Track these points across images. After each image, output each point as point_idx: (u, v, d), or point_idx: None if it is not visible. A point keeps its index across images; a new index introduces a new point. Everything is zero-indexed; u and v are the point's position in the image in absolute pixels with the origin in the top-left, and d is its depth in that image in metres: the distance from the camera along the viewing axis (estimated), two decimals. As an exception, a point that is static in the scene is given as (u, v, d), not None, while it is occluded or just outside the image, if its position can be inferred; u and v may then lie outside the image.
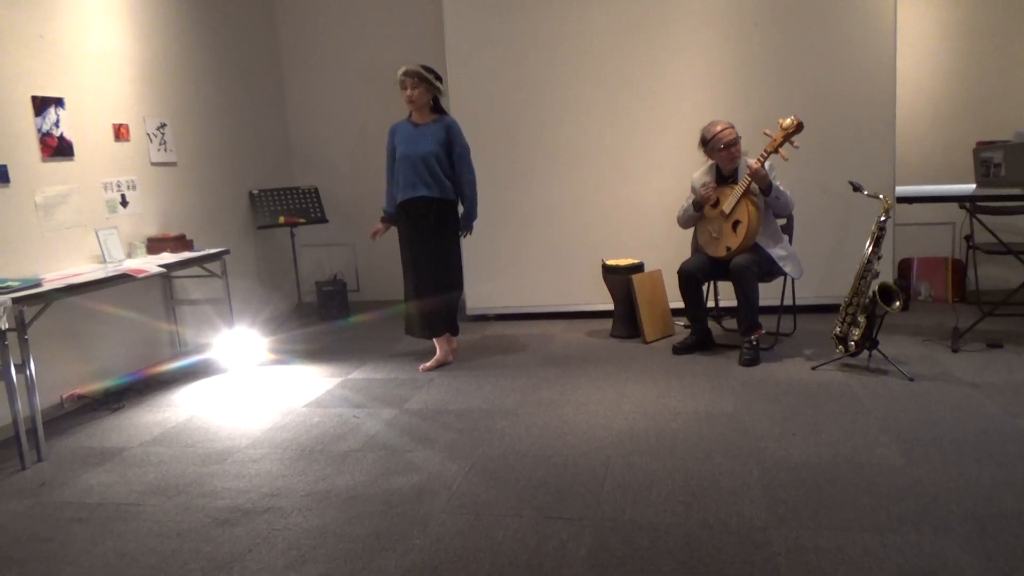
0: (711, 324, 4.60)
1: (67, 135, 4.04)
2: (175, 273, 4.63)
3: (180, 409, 3.92)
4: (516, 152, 5.34)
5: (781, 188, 4.14)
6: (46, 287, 3.43)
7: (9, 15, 3.74)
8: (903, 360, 3.98)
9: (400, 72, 4.15)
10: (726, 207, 4.17)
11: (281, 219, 5.75)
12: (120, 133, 4.45)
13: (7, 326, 3.15)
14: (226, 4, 5.54)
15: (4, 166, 3.68)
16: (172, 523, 2.64)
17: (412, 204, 4.19)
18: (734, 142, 4.16)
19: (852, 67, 4.86)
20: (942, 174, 5.39)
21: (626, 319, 4.86)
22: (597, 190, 5.30)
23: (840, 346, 3.95)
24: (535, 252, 5.43)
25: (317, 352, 4.94)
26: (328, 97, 6.24)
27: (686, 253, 4.54)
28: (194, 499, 2.83)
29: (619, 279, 4.82)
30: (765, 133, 4.11)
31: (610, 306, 5.00)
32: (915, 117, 5.45)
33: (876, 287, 3.78)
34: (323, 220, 5.96)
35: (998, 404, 3.33)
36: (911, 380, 3.68)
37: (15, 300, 3.21)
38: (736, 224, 4.15)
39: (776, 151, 4.06)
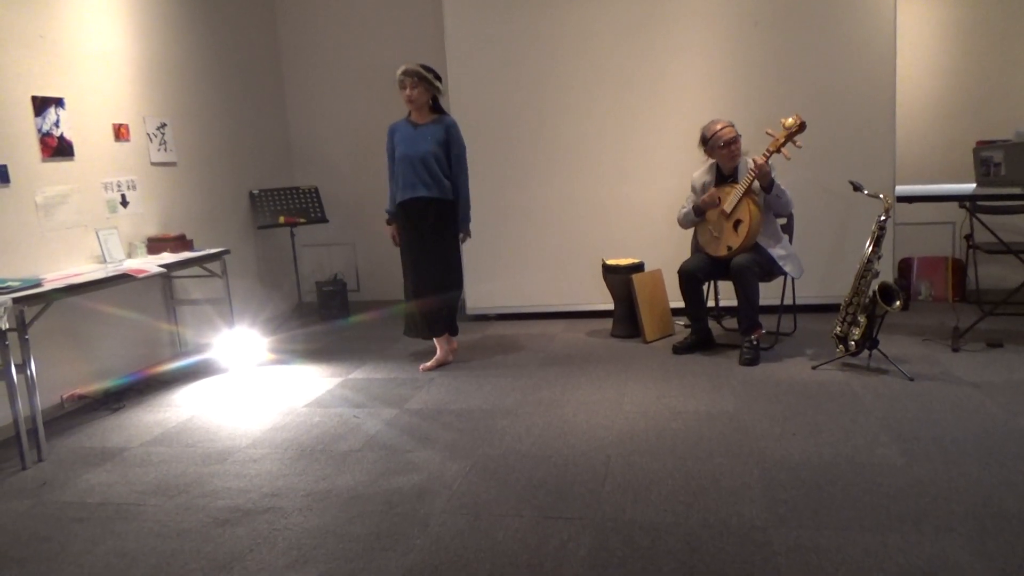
0: (711, 324, 4.60)
1: (67, 135, 4.04)
2: (175, 273, 4.63)
3: (180, 409, 3.92)
4: (516, 152, 5.33)
5: (782, 187, 4.14)
6: (46, 287, 3.43)
7: (9, 15, 3.74)
8: (903, 360, 3.98)
9: (399, 72, 4.15)
10: (727, 206, 4.17)
11: (281, 219, 5.75)
12: (120, 133, 4.45)
13: (7, 326, 3.15)
14: (226, 4, 5.54)
15: (4, 166, 3.68)
16: (173, 523, 2.64)
17: (411, 204, 4.19)
18: (734, 140, 4.16)
19: (852, 66, 4.86)
20: (942, 173, 5.39)
21: (626, 319, 4.86)
22: (597, 189, 5.30)
23: (840, 346, 3.95)
24: (535, 252, 5.43)
25: (317, 352, 4.95)
26: (328, 97, 6.24)
27: (686, 253, 4.54)
28: (195, 499, 2.83)
29: (619, 279, 4.82)
30: (767, 133, 4.11)
31: (610, 306, 5.00)
32: (915, 116, 5.45)
33: (876, 287, 3.77)
34: (323, 220, 5.96)
35: (998, 404, 3.33)
36: (911, 380, 3.68)
37: (15, 300, 3.21)
38: (737, 223, 4.15)
39: (778, 150, 4.06)
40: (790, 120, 4.03)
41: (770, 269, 4.21)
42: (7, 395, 3.23)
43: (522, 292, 5.49)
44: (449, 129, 4.21)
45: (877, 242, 3.89)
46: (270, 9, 6.16)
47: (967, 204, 4.35)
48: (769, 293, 4.44)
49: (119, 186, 4.42)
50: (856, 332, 3.86)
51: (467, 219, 4.31)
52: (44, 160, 3.90)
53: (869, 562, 2.15)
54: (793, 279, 4.38)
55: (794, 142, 4.04)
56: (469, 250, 5.20)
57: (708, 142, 4.22)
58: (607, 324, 5.07)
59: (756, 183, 4.08)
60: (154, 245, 4.52)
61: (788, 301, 4.51)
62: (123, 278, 3.84)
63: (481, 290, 5.51)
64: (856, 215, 4.93)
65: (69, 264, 4.03)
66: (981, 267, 5.19)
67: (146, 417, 3.83)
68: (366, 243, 6.33)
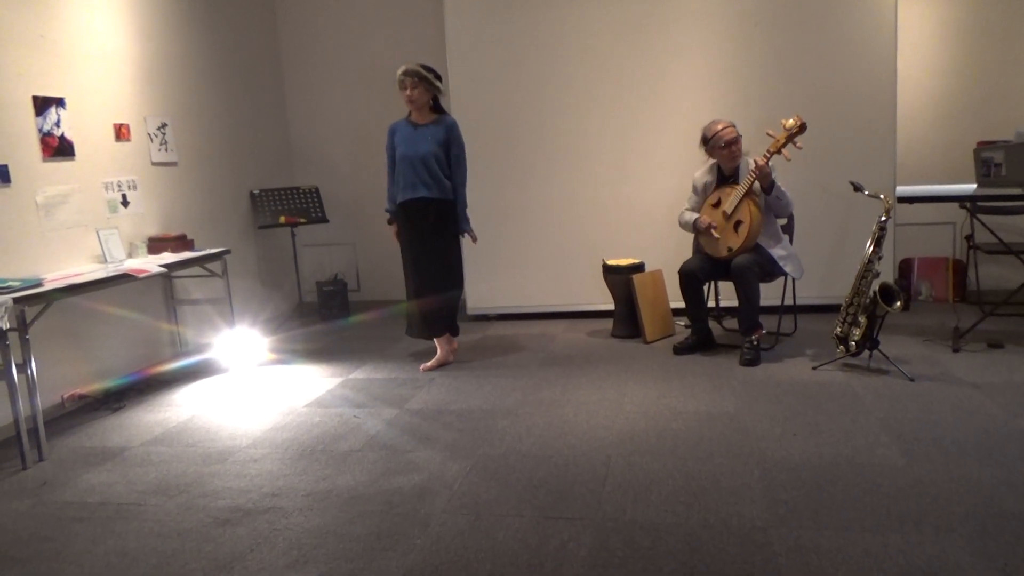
0: (712, 324, 4.60)
1: (68, 135, 4.04)
2: (176, 273, 4.63)
3: (181, 409, 3.92)
4: (517, 151, 5.34)
5: (782, 188, 4.14)
6: (47, 287, 3.43)
7: (10, 15, 3.74)
8: (904, 360, 3.98)
9: (399, 72, 4.14)
10: (728, 207, 4.17)
11: (282, 219, 5.75)
12: (121, 133, 4.45)
13: (8, 326, 3.15)
14: (227, 4, 5.54)
15: (5, 166, 3.68)
16: (173, 523, 2.65)
17: (412, 205, 4.19)
18: (735, 141, 4.16)
19: (853, 67, 4.86)
20: (943, 174, 5.39)
21: (627, 319, 4.86)
22: (598, 189, 5.30)
23: (841, 346, 3.95)
24: (535, 252, 5.43)
25: (318, 352, 4.95)
26: (329, 97, 6.24)
27: (687, 253, 4.54)
28: (195, 499, 2.83)
29: (620, 279, 4.82)
30: (768, 133, 4.11)
31: (611, 306, 5.00)
32: (916, 117, 5.45)
33: (877, 287, 3.77)
34: (324, 220, 5.97)
35: (999, 404, 3.33)
36: (912, 380, 3.68)
37: (16, 300, 3.21)
38: (738, 224, 4.15)
39: (779, 151, 4.06)
40: (791, 121, 4.03)
41: (771, 269, 4.21)
42: (8, 395, 3.23)
43: (522, 292, 5.50)
44: (449, 129, 4.20)
45: (878, 242, 3.89)
46: (271, 9, 6.16)
47: (968, 205, 4.35)
48: (770, 293, 4.44)
49: (120, 186, 4.42)
50: (857, 332, 3.86)
51: (465, 219, 4.30)
52: (45, 160, 3.90)
53: (869, 562, 2.15)
54: (794, 279, 4.38)
55: (794, 143, 4.04)
56: (469, 250, 5.19)
57: (709, 142, 4.22)
58: (607, 324, 5.07)
59: (757, 184, 4.08)
60: (155, 245, 4.52)
61: (788, 301, 4.51)
62: (124, 278, 3.85)
63: (481, 290, 5.51)
64: (856, 216, 4.93)
65: (70, 264, 4.03)
66: (982, 268, 5.18)
67: (146, 417, 3.83)
68: (366, 243, 6.33)
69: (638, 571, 2.19)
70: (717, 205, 4.25)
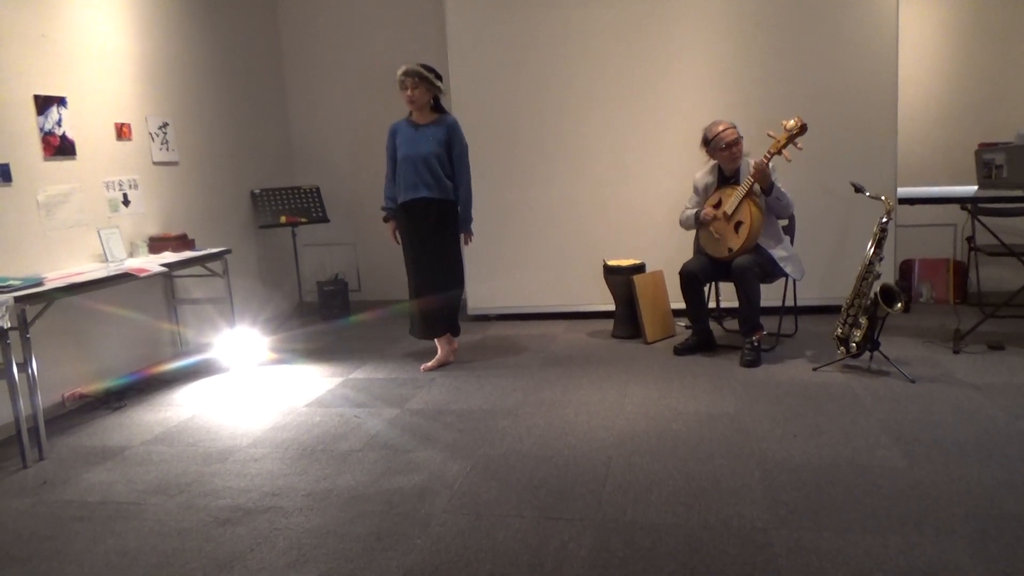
0: (712, 325, 4.60)
1: (69, 134, 4.05)
2: (176, 272, 4.63)
3: (181, 408, 3.93)
4: (518, 152, 5.34)
5: (782, 189, 4.14)
6: (48, 286, 3.44)
7: (12, 14, 3.75)
8: (904, 362, 3.98)
9: (400, 72, 4.14)
10: (728, 208, 4.17)
11: (282, 219, 5.75)
12: (122, 132, 4.45)
13: (9, 325, 3.15)
14: (228, 4, 5.54)
15: (6, 165, 3.68)
16: (173, 522, 2.65)
17: (413, 205, 4.19)
18: (736, 142, 4.16)
19: (854, 68, 4.86)
20: (944, 175, 5.39)
21: (627, 320, 4.86)
22: (598, 190, 5.30)
23: (841, 347, 3.95)
24: (536, 252, 5.43)
25: (318, 351, 4.95)
26: (329, 97, 6.25)
27: (687, 254, 4.54)
28: (195, 498, 2.83)
29: (620, 279, 4.82)
30: (769, 134, 4.11)
31: (611, 306, 5.00)
32: (917, 118, 5.45)
33: (878, 288, 3.77)
34: (324, 220, 5.97)
35: (999, 406, 3.33)
36: (912, 382, 3.68)
37: (17, 299, 3.21)
38: (738, 225, 4.15)
39: (779, 152, 4.05)
40: (791, 122, 4.03)
41: (771, 270, 4.21)
42: (8, 394, 3.23)
43: (523, 292, 5.50)
44: (450, 129, 4.20)
45: (879, 244, 3.89)
46: (272, 9, 6.16)
47: (969, 206, 4.35)
48: (770, 294, 4.44)
49: (121, 185, 4.42)
50: (857, 334, 3.86)
51: (468, 219, 4.30)
52: (46, 159, 3.90)
53: (870, 564, 2.15)
54: (794, 280, 4.37)
55: (795, 144, 4.04)
56: (470, 250, 5.19)
57: (710, 143, 4.22)
58: (608, 325, 5.07)
59: (757, 184, 4.08)
60: (155, 244, 4.53)
61: (789, 302, 4.51)
62: (124, 277, 3.85)
63: (482, 290, 5.51)
64: (857, 217, 4.93)
65: (71, 263, 4.03)
66: (982, 269, 5.18)
67: (147, 416, 3.83)
68: (367, 243, 6.33)
69: (638, 572, 2.19)
70: (718, 206, 4.25)
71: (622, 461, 2.95)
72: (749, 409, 3.45)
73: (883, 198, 3.93)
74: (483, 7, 5.22)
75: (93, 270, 3.89)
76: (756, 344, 4.16)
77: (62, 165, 4.01)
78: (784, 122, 4.06)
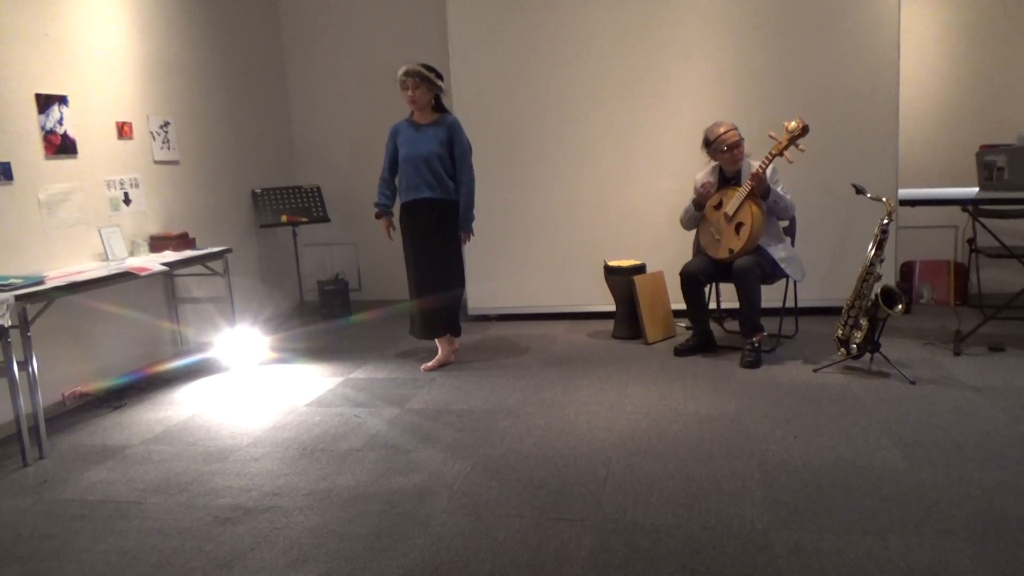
0: (713, 326, 4.60)
1: (70, 133, 4.05)
2: (177, 271, 4.63)
3: (182, 407, 3.93)
4: (518, 152, 5.34)
5: (782, 192, 4.14)
6: (49, 285, 3.44)
7: (13, 13, 3.75)
8: (905, 363, 3.98)
9: (400, 72, 4.13)
10: (729, 209, 4.17)
11: (283, 218, 5.75)
12: (123, 131, 4.45)
13: (10, 323, 3.15)
14: (229, 3, 5.54)
15: (8, 163, 3.68)
16: (173, 521, 2.65)
17: (415, 205, 4.19)
18: (737, 144, 4.16)
19: (856, 69, 4.86)
20: (945, 177, 5.39)
21: (628, 320, 4.86)
22: (599, 191, 5.30)
23: (842, 349, 3.95)
24: (537, 253, 5.43)
25: (319, 351, 4.95)
26: (331, 96, 6.25)
27: (688, 255, 4.54)
28: (195, 497, 2.83)
29: (621, 280, 4.82)
30: (770, 136, 4.11)
31: (612, 307, 5.00)
32: (918, 120, 5.45)
33: (878, 290, 3.77)
34: (325, 219, 5.97)
35: (1000, 408, 3.33)
36: (913, 383, 3.68)
37: (18, 297, 3.21)
38: (739, 226, 4.15)
39: (781, 154, 4.06)
40: (793, 123, 4.03)
41: (772, 271, 4.21)
42: (9, 392, 3.23)
43: (524, 293, 5.50)
44: (452, 128, 4.20)
45: (879, 245, 3.89)
46: (273, 8, 6.16)
47: (970, 208, 4.35)
48: (771, 295, 4.44)
49: (122, 184, 4.42)
50: (858, 335, 3.86)
51: (469, 218, 4.28)
52: (47, 158, 3.91)
53: (870, 565, 2.15)
54: (795, 282, 4.37)
55: (796, 145, 4.04)
56: (471, 250, 5.19)
57: (711, 145, 4.22)
58: (608, 325, 5.07)
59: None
60: (156, 243, 4.53)
61: (790, 304, 4.51)
62: (125, 276, 3.85)
63: (483, 290, 5.51)
64: (858, 218, 4.93)
65: (71, 262, 4.03)
66: (983, 271, 5.18)
67: (147, 415, 3.83)
68: (368, 242, 6.33)
69: (638, 572, 2.18)
70: (719, 207, 4.25)
71: (622, 462, 2.95)
72: (749, 410, 3.45)
73: (884, 199, 3.93)
74: (484, 7, 5.22)
75: (94, 269, 3.89)
76: (756, 345, 4.16)
77: (63, 164, 4.01)
78: (785, 123, 4.06)
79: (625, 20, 5.09)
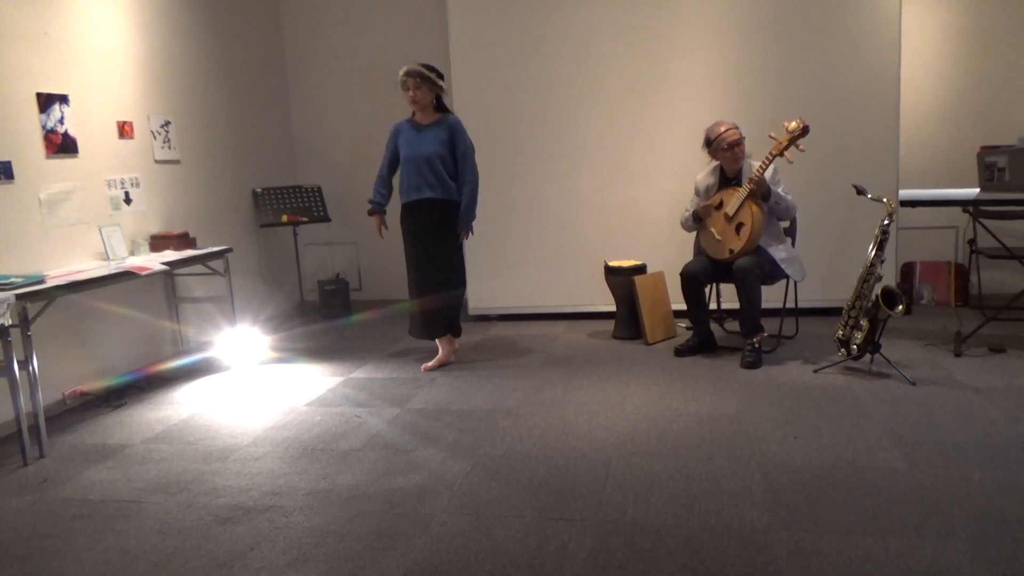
0: (713, 326, 4.60)
1: (71, 132, 4.05)
2: (178, 271, 4.63)
3: (182, 407, 3.93)
4: (519, 152, 5.34)
5: (782, 193, 4.14)
6: (49, 284, 3.44)
7: (14, 12, 3.75)
8: (905, 364, 3.98)
9: (401, 73, 4.12)
10: (729, 209, 4.17)
11: (284, 217, 5.76)
12: (124, 130, 4.45)
13: (10, 322, 3.15)
14: (230, 2, 5.54)
15: (8, 163, 3.68)
16: (174, 521, 2.65)
17: (416, 206, 4.19)
18: (738, 143, 4.16)
19: (856, 70, 4.86)
20: (946, 178, 5.38)
21: (628, 320, 4.86)
22: (600, 191, 5.30)
23: (842, 349, 3.95)
24: (537, 253, 5.43)
25: (319, 351, 4.95)
26: (331, 96, 6.25)
27: (689, 255, 4.54)
28: (196, 497, 2.83)
29: (621, 280, 4.82)
30: (770, 136, 4.11)
31: (612, 307, 5.00)
32: (919, 120, 5.45)
33: (879, 290, 3.77)
34: (326, 219, 5.97)
35: (1000, 408, 3.32)
36: (913, 384, 3.68)
37: (18, 296, 3.21)
38: (740, 227, 4.15)
39: (781, 155, 4.06)
40: (793, 124, 4.03)
41: (772, 272, 4.21)
42: (9, 391, 3.23)
43: (524, 293, 5.50)
44: (453, 128, 4.19)
45: (880, 246, 3.89)
46: (274, 8, 6.16)
47: (970, 209, 4.35)
48: (771, 296, 4.44)
49: (123, 183, 4.42)
50: (858, 336, 3.86)
51: (470, 217, 4.27)
52: (48, 157, 3.91)
53: (870, 566, 2.15)
54: (795, 282, 4.37)
55: (797, 146, 4.04)
56: (471, 250, 5.20)
57: (712, 144, 4.22)
58: (609, 326, 5.07)
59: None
60: (157, 243, 4.53)
61: (790, 304, 4.51)
62: (126, 275, 3.85)
63: (483, 290, 5.51)
64: (859, 219, 4.93)
65: (72, 261, 4.03)
66: (984, 272, 5.18)
67: (147, 414, 3.83)
68: (368, 242, 6.32)
69: (638, 572, 2.18)
70: (719, 207, 4.25)
71: (622, 462, 2.95)
72: (750, 410, 3.45)
73: (885, 200, 3.93)
74: (485, 6, 5.22)
75: (94, 268, 3.89)
76: (757, 345, 4.16)
77: (64, 163, 4.01)
78: (786, 124, 4.06)
79: (626, 20, 5.09)
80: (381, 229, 4.42)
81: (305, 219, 5.85)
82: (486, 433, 3.33)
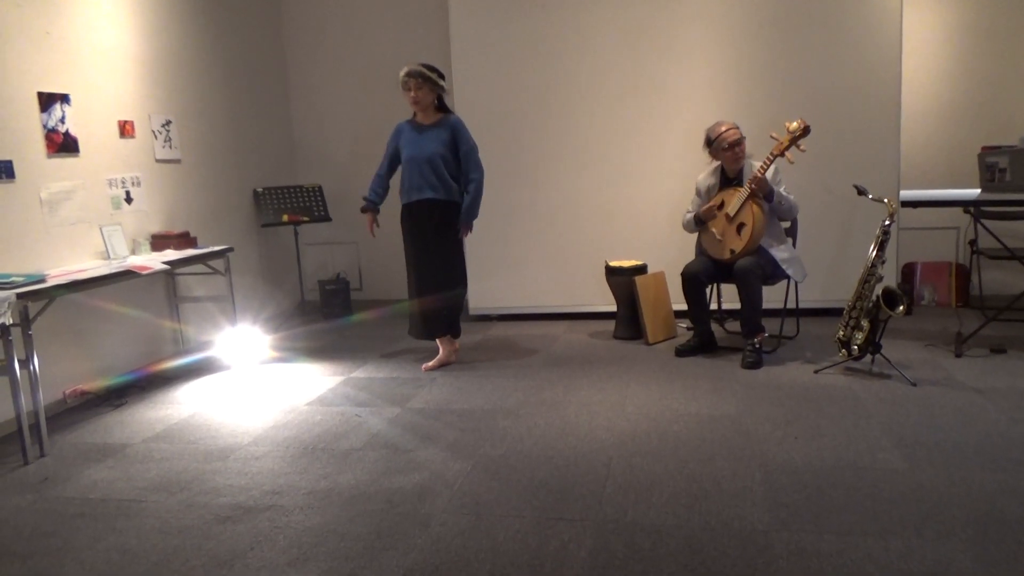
0: (714, 326, 4.60)
1: (72, 131, 4.05)
2: (179, 270, 4.63)
3: (182, 406, 3.93)
4: (520, 152, 5.34)
5: (785, 194, 4.14)
6: (50, 283, 3.44)
7: (16, 11, 3.75)
8: (906, 364, 3.98)
9: (402, 73, 4.12)
10: (731, 210, 4.17)
11: (285, 217, 5.76)
12: (125, 130, 4.45)
13: (11, 321, 3.15)
14: (232, 2, 5.54)
15: (10, 162, 3.68)
16: (174, 520, 2.65)
17: (417, 206, 4.19)
18: (738, 142, 4.16)
19: (857, 70, 4.86)
20: (947, 178, 5.38)
21: (629, 320, 4.86)
22: (601, 191, 5.29)
23: (843, 350, 3.95)
24: (538, 253, 5.43)
25: (320, 350, 4.95)
26: (332, 95, 6.25)
27: (690, 255, 4.54)
28: (196, 496, 2.83)
29: (622, 280, 4.82)
30: (772, 136, 4.11)
31: (613, 307, 5.00)
32: (920, 121, 5.44)
33: (880, 291, 3.77)
34: (326, 219, 5.97)
35: (1001, 409, 3.32)
36: (914, 384, 3.68)
37: (19, 296, 3.21)
38: (741, 227, 4.15)
39: (782, 155, 4.05)
40: (794, 124, 4.03)
41: (773, 272, 4.21)
42: (10, 390, 3.23)
43: (525, 293, 5.49)
44: (455, 128, 4.19)
45: (881, 246, 3.89)
46: (275, 7, 6.17)
47: (972, 209, 4.35)
48: (772, 296, 4.43)
49: (124, 182, 4.42)
50: (859, 336, 3.86)
51: (471, 216, 4.26)
52: (49, 156, 3.91)
53: (870, 567, 2.15)
54: (796, 282, 4.37)
55: (798, 146, 4.04)
56: (472, 250, 5.20)
57: (713, 144, 4.22)
58: (610, 326, 5.07)
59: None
60: (158, 242, 4.53)
61: (791, 304, 4.51)
62: (126, 275, 3.85)
63: (484, 290, 5.51)
64: (859, 219, 4.93)
65: (73, 260, 4.03)
66: (985, 272, 5.18)
67: (148, 414, 3.83)
68: (369, 242, 6.30)
69: (638, 572, 2.18)
70: (721, 207, 4.25)
71: (623, 462, 2.95)
72: (750, 411, 3.45)
73: (886, 200, 3.93)
74: (486, 7, 5.22)
75: (95, 267, 3.89)
76: (757, 346, 4.16)
77: (65, 162, 4.01)
78: (787, 124, 4.06)
79: (627, 20, 5.09)
80: (372, 227, 4.42)
81: (306, 219, 5.85)
82: (486, 433, 3.33)
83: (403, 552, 2.36)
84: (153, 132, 4.69)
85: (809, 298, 4.86)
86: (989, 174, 4.30)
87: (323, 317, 5.92)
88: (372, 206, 4.39)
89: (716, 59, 5.03)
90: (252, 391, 4.12)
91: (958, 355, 4.13)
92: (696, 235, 4.51)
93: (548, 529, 2.45)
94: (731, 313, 4.86)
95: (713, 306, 4.77)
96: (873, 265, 3.88)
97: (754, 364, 4.10)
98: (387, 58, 5.91)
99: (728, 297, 4.76)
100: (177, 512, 2.70)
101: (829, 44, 4.87)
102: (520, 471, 2.91)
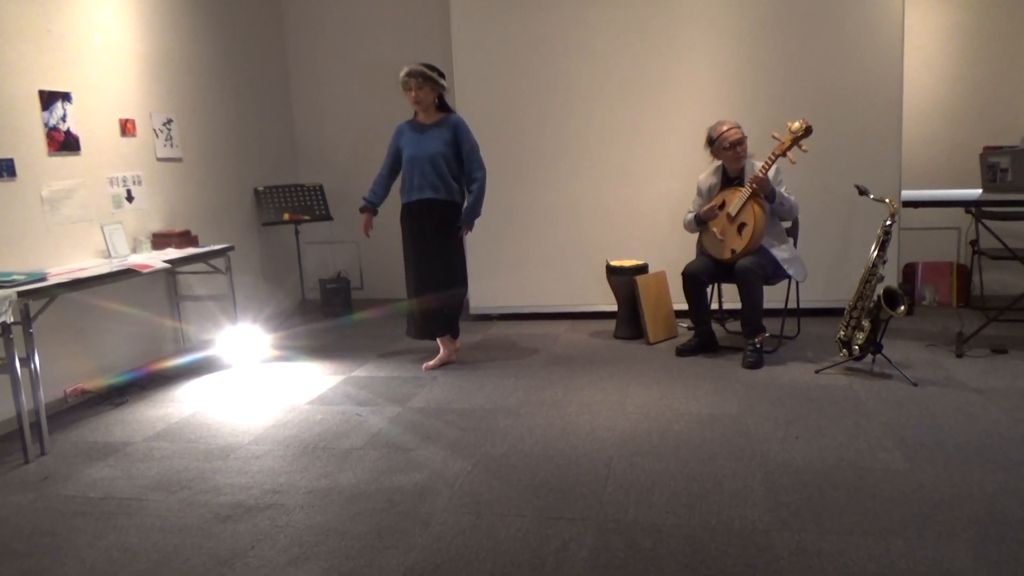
0: (715, 326, 4.59)
1: (74, 130, 4.05)
2: (179, 269, 4.63)
3: (183, 405, 3.93)
4: (521, 151, 5.33)
5: (786, 194, 4.13)
6: (51, 281, 3.44)
7: (17, 9, 3.75)
8: (907, 364, 3.97)
9: (403, 73, 4.11)
10: (732, 209, 4.17)
11: (286, 216, 5.76)
12: (126, 128, 4.45)
13: (12, 320, 3.15)
14: (233, 1, 5.54)
15: (11, 160, 3.68)
16: (175, 518, 2.65)
17: (418, 206, 4.18)
18: (740, 142, 4.16)
19: (859, 70, 4.85)
20: (948, 178, 5.38)
21: (630, 320, 4.86)
22: (602, 190, 5.29)
23: (844, 350, 3.94)
24: (539, 252, 5.43)
25: (320, 349, 4.95)
26: (334, 94, 6.25)
27: (690, 255, 4.54)
28: (197, 495, 2.83)
29: (623, 280, 4.82)
30: (773, 136, 4.10)
31: (614, 307, 4.99)
32: (922, 121, 5.44)
33: (881, 291, 3.77)
34: (327, 217, 5.97)
35: (1002, 409, 3.32)
36: (915, 385, 3.68)
37: (20, 294, 3.21)
38: (742, 227, 4.14)
39: (784, 155, 4.05)
40: (796, 124, 4.02)
41: (774, 272, 4.21)
42: (11, 389, 3.23)
43: (525, 292, 5.49)
44: (456, 128, 4.18)
45: (882, 246, 3.89)
46: (277, 6, 6.16)
47: (973, 210, 4.34)
48: (773, 296, 4.43)
49: (125, 181, 4.42)
50: (860, 336, 3.85)
51: (473, 215, 4.25)
52: (50, 154, 3.91)
53: (871, 567, 2.15)
54: (797, 282, 4.37)
55: (800, 146, 4.04)
56: (472, 249, 5.20)
57: (714, 143, 4.21)
58: (610, 325, 5.07)
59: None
60: (159, 240, 4.53)
61: (792, 304, 4.51)
62: (127, 273, 3.85)
63: (484, 290, 5.50)
64: (861, 219, 4.92)
65: (74, 258, 4.04)
66: (986, 273, 5.17)
67: (149, 412, 3.84)
68: (370, 241, 6.24)
69: (639, 572, 2.18)
70: (722, 207, 4.25)
71: (624, 461, 2.95)
72: (751, 411, 3.45)
73: (887, 200, 3.93)
74: (487, 6, 5.22)
75: (96, 266, 3.89)
76: (758, 346, 4.16)
77: (66, 160, 4.01)
78: (789, 124, 4.05)
79: (628, 20, 5.08)
80: (368, 228, 4.40)
81: (307, 217, 5.85)
82: (487, 432, 3.33)
83: (403, 551, 2.36)
84: (154, 131, 4.69)
85: (810, 298, 4.86)
86: (990, 174, 4.30)
87: (324, 316, 5.92)
88: (370, 207, 4.39)
89: (717, 59, 5.03)
90: (253, 390, 4.12)
91: (959, 355, 4.13)
92: (697, 235, 4.50)
93: (549, 528, 2.45)
94: (732, 313, 4.86)
95: (714, 306, 4.77)
96: (874, 265, 3.87)
97: (755, 364, 4.10)
98: (388, 57, 5.91)
99: (729, 297, 4.75)
100: (178, 511, 2.70)
101: (831, 44, 4.87)
102: (521, 470, 2.91)
